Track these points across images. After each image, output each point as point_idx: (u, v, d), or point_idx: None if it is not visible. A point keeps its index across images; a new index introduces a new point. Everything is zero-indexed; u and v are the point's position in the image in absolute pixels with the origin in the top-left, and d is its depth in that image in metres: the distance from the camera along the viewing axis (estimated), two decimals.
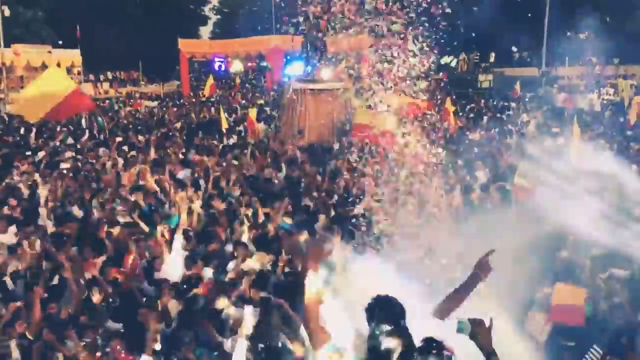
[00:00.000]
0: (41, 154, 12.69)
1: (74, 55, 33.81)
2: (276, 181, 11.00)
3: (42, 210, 8.85)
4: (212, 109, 23.69)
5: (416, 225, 6.79)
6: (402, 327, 2.80)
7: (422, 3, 7.07)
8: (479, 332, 2.93)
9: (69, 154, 13.13)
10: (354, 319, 3.24)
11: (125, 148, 13.87)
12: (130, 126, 18.52)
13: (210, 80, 26.02)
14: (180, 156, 12.95)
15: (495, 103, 27.47)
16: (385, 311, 2.84)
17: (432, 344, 2.70)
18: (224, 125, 16.26)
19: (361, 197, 9.18)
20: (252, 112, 14.75)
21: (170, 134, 15.97)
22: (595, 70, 32.18)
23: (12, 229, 8.18)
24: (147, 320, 5.13)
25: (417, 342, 2.77)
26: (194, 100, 29.76)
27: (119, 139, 14.57)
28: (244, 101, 28.59)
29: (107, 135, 15.54)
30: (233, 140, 15.87)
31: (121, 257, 7.13)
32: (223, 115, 16.75)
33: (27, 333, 5.39)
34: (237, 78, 38.86)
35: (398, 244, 6.47)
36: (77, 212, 9.13)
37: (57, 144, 14.43)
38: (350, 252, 5.60)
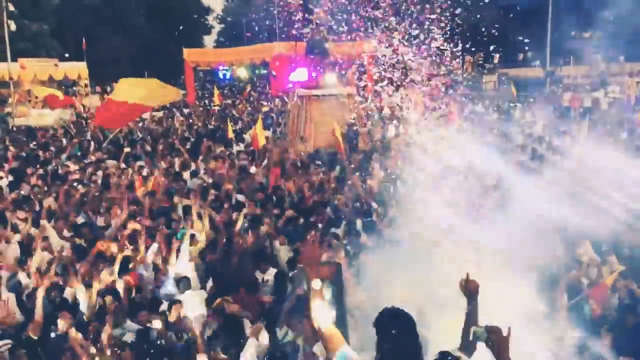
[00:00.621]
0: (50, 167, 12.78)
1: (80, 68, 33.97)
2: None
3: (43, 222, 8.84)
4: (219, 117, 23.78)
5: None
6: (411, 340, 2.75)
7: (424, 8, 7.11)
8: (496, 340, 2.86)
9: (77, 166, 13.18)
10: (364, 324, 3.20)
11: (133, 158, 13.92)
12: (138, 136, 18.56)
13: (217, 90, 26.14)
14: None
15: (500, 104, 27.35)
16: (394, 324, 2.80)
17: (447, 358, 2.66)
18: (230, 134, 16.31)
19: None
20: (259, 122, 14.73)
21: (176, 143, 16.00)
22: (600, 69, 32.00)
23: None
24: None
25: (432, 355, 2.74)
26: (200, 108, 29.83)
27: (126, 150, 14.60)
28: (249, 108, 28.61)
29: (112, 147, 15.52)
30: (239, 147, 15.89)
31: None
32: (229, 124, 16.82)
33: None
34: (247, 87, 38.79)
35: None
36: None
37: (67, 155, 14.47)
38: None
